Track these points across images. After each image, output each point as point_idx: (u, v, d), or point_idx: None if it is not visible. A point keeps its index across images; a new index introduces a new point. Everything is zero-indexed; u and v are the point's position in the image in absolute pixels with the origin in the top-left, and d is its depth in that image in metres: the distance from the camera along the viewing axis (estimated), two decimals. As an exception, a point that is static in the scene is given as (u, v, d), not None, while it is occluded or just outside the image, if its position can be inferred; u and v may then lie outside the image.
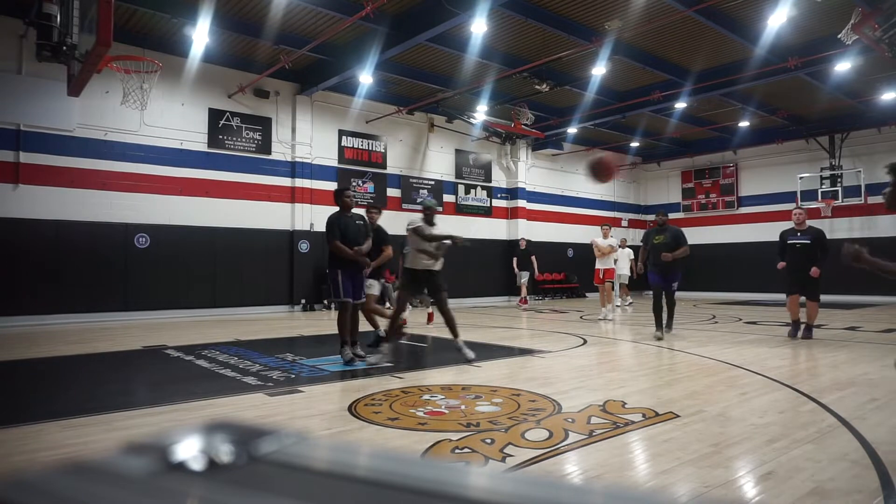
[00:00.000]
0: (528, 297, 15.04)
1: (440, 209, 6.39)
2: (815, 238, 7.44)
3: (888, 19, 8.22)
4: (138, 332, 8.55)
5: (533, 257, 14.60)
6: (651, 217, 21.62)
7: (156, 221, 11.25)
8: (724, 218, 19.58)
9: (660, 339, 7.61)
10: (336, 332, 6.18)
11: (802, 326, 7.61)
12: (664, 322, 8.00)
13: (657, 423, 3.58)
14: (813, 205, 16.93)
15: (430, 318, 9.83)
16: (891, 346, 6.90)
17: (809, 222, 7.80)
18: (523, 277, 14.55)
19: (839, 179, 16.66)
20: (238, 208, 12.33)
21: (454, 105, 14.55)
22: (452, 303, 15.96)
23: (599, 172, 6.02)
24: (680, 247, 7.83)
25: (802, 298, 7.58)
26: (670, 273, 7.90)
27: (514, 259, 14.79)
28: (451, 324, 6.24)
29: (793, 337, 7.59)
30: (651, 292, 8.47)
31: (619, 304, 14.26)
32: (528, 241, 17.72)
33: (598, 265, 11.12)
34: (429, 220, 6.33)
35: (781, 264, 7.73)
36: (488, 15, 9.31)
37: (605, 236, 11.25)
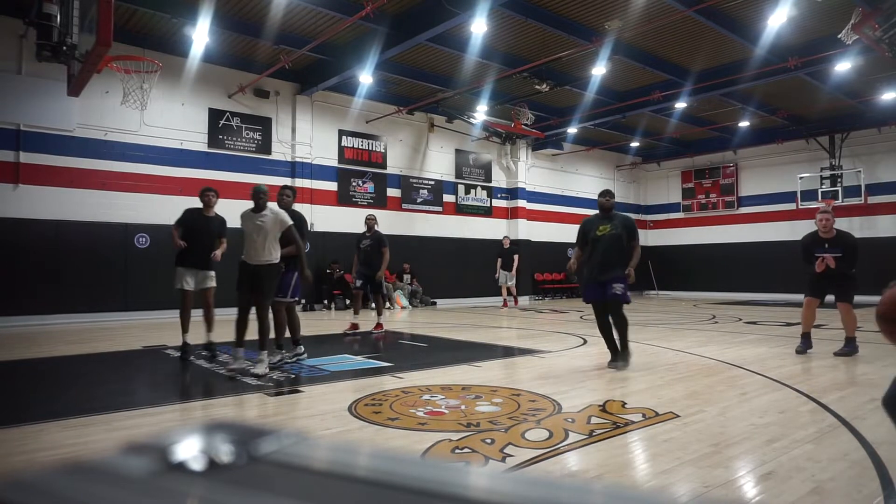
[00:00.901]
0: (509, 299, 14.63)
1: (263, 193, 5.42)
2: (846, 249, 6.29)
3: (888, 19, 8.22)
4: (138, 332, 8.54)
5: (516, 256, 14.15)
6: (652, 217, 21.67)
7: (156, 221, 11.23)
8: (724, 218, 19.58)
9: (616, 369, 5.53)
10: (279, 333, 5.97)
11: (845, 340, 6.38)
12: (619, 345, 5.76)
13: (657, 423, 3.58)
14: (813, 205, 16.93)
15: (359, 328, 8.63)
16: (891, 346, 6.89)
17: (808, 222, 6.79)
18: (510, 279, 14.09)
19: (839, 179, 16.67)
20: (238, 208, 12.14)
21: (454, 105, 14.55)
22: (453, 302, 15.99)
23: None
24: (632, 242, 5.70)
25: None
26: (611, 276, 5.52)
27: (499, 259, 14.35)
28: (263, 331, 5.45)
29: (801, 353, 6.42)
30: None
31: None
32: (528, 241, 17.76)
33: None
34: (257, 207, 5.51)
35: (824, 259, 6.36)
36: (488, 15, 9.31)
37: None
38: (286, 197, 5.96)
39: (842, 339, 6.44)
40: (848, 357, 6.20)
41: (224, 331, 6.46)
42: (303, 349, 6.07)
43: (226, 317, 5.68)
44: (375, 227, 8.78)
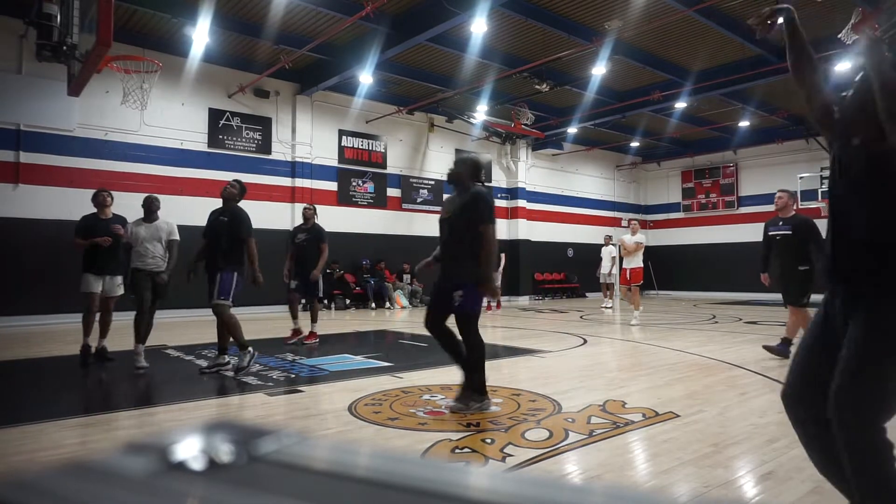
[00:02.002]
0: (500, 301, 13.61)
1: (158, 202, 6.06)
2: (796, 227, 5.97)
3: (888, 19, 8.22)
4: (138, 332, 8.53)
5: (503, 255, 13.08)
6: (652, 217, 21.66)
7: (156, 221, 11.25)
8: (724, 218, 19.59)
9: (461, 409, 3.83)
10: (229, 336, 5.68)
11: (780, 340, 6.10)
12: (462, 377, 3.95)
13: (657, 423, 3.58)
14: (813, 205, 16.93)
15: (302, 333, 7.52)
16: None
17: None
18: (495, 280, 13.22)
19: (839, 179, 16.64)
20: (238, 208, 12.34)
21: (454, 105, 14.55)
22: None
23: None
24: (480, 227, 3.87)
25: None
26: (455, 279, 3.92)
27: None
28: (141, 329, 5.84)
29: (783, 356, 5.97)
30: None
31: (607, 305, 14.09)
32: (528, 241, 17.75)
33: (625, 265, 10.29)
34: (147, 215, 6.00)
35: (764, 276, 6.33)
36: (488, 15, 9.32)
37: (634, 233, 10.42)
38: (232, 188, 5.72)
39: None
40: (781, 357, 5.85)
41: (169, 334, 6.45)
42: (227, 359, 5.61)
43: (165, 321, 5.68)
44: (314, 220, 7.66)
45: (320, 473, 0.42)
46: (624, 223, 20.78)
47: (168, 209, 11.28)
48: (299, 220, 13.27)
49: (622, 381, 4.98)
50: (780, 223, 6.16)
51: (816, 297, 5.98)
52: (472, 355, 3.89)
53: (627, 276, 10.26)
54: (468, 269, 3.86)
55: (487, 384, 4.00)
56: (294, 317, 7.60)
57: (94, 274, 6.08)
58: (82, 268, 6.12)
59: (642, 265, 10.32)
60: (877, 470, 1.75)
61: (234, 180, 5.90)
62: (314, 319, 7.51)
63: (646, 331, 9.16)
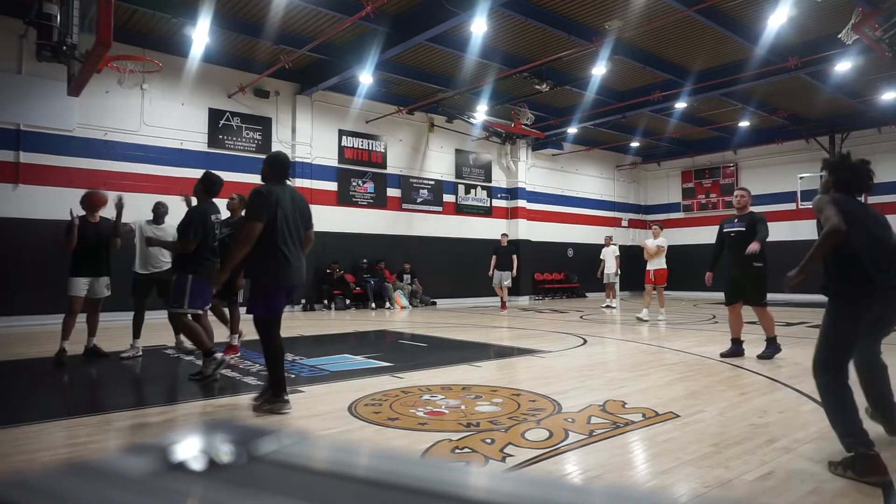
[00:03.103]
0: (505, 302, 13.26)
1: (163, 210, 6.26)
2: (750, 223, 6.02)
3: (888, 19, 8.22)
4: (138, 332, 8.53)
5: (514, 256, 12.92)
6: (652, 217, 21.65)
7: (156, 221, 11.26)
8: (725, 218, 19.58)
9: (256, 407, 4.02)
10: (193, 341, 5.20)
11: (765, 343, 6.16)
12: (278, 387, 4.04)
13: (657, 423, 3.58)
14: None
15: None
16: (891, 347, 6.88)
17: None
18: (505, 279, 12.77)
19: (839, 179, 16.64)
20: (238, 208, 12.33)
21: (454, 105, 14.55)
22: (453, 302, 15.96)
23: None
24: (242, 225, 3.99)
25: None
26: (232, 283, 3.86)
27: (494, 257, 12.90)
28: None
29: (725, 356, 6.13)
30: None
31: (607, 305, 14.13)
32: (528, 241, 17.74)
33: (648, 266, 10.84)
34: (157, 219, 6.41)
35: (709, 275, 6.46)
36: (488, 15, 9.31)
37: (656, 236, 10.92)
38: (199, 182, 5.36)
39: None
40: (770, 359, 5.95)
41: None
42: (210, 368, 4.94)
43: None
44: (240, 212, 6.32)
45: (320, 473, 0.42)
46: (624, 223, 20.81)
47: (168, 210, 11.36)
48: (299, 220, 13.37)
49: (622, 381, 4.97)
50: (736, 220, 6.24)
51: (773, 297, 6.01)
52: (265, 353, 4.04)
53: (651, 277, 10.74)
54: (251, 269, 3.95)
55: (488, 384, 4.02)
56: (232, 330, 6.44)
57: (81, 277, 6.23)
58: (69, 272, 6.27)
59: (665, 267, 10.78)
60: (831, 403, 2.92)
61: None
62: (234, 329, 6.38)
63: (646, 331, 9.17)
